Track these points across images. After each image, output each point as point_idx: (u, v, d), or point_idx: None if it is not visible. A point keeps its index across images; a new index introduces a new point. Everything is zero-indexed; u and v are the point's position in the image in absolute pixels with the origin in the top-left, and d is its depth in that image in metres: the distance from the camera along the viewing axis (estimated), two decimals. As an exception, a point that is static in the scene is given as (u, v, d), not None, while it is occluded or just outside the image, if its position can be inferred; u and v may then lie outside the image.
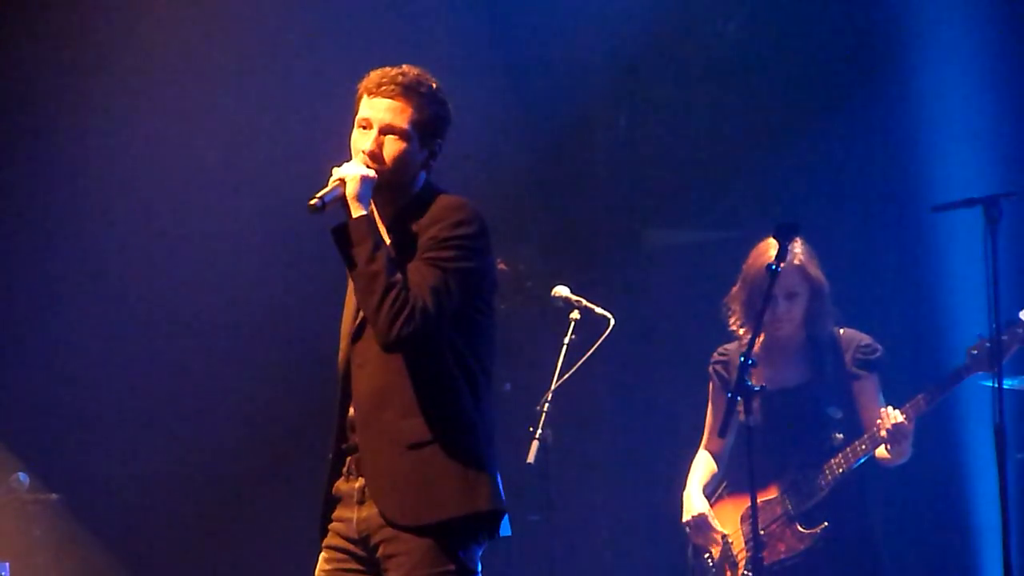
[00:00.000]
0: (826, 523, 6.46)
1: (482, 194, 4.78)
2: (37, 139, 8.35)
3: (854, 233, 8.26)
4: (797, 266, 6.50)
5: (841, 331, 6.62)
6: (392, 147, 4.69)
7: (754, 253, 6.65)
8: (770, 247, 6.46)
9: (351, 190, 4.62)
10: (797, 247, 6.49)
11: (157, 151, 8.38)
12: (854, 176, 8.43)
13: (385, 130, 4.68)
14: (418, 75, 4.72)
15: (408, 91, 4.68)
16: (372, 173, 4.65)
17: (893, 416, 6.38)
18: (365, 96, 4.71)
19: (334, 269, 4.73)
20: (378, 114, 4.68)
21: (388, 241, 4.68)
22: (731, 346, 6.77)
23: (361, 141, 4.70)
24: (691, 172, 8.81)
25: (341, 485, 4.74)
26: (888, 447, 6.44)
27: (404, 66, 4.74)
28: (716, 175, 8.73)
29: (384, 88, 4.68)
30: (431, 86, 4.72)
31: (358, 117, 4.72)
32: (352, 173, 4.64)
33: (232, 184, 8.40)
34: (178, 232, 8.46)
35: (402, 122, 4.68)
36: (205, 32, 8.35)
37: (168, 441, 8.47)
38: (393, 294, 4.53)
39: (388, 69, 4.72)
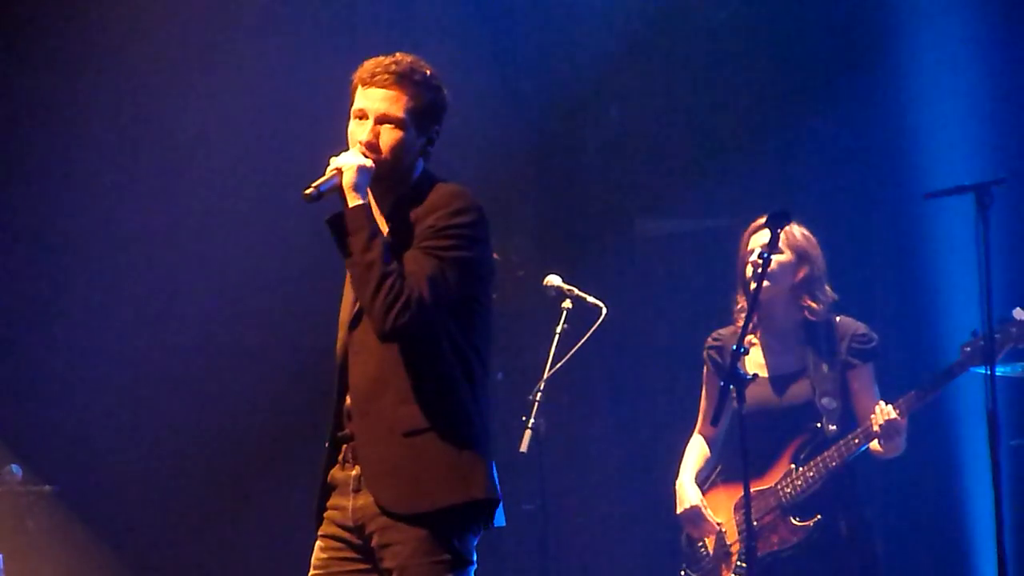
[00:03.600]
0: (819, 516, 6.46)
1: (474, 184, 4.77)
2: (35, 136, 8.36)
3: (847, 221, 8.26)
4: (787, 230, 6.43)
5: (837, 319, 6.61)
6: (388, 136, 4.68)
7: (747, 233, 6.63)
8: (759, 223, 6.45)
9: (348, 180, 4.62)
10: (793, 227, 6.47)
11: (156, 142, 8.38)
12: (846, 164, 8.43)
13: (381, 119, 4.68)
14: (412, 63, 4.71)
15: (402, 79, 4.68)
16: (369, 163, 4.65)
17: (886, 412, 6.37)
18: (360, 86, 4.71)
19: (334, 259, 4.72)
20: (373, 104, 4.68)
21: (386, 230, 4.68)
22: (725, 331, 6.76)
23: (357, 131, 4.70)
24: (683, 161, 8.81)
25: (337, 473, 4.73)
26: (881, 441, 6.44)
27: (398, 54, 4.74)
28: (708, 164, 8.72)
29: (378, 78, 4.68)
30: (425, 73, 4.71)
31: (354, 108, 4.72)
32: (349, 163, 4.64)
33: (230, 178, 8.41)
34: (174, 222, 8.45)
35: (397, 111, 4.67)
36: (205, 27, 8.34)
37: (163, 432, 8.46)
38: (388, 283, 4.52)
39: (382, 58, 4.72)
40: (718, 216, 8.52)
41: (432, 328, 4.58)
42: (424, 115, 4.70)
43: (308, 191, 4.61)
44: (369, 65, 4.71)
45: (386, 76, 4.67)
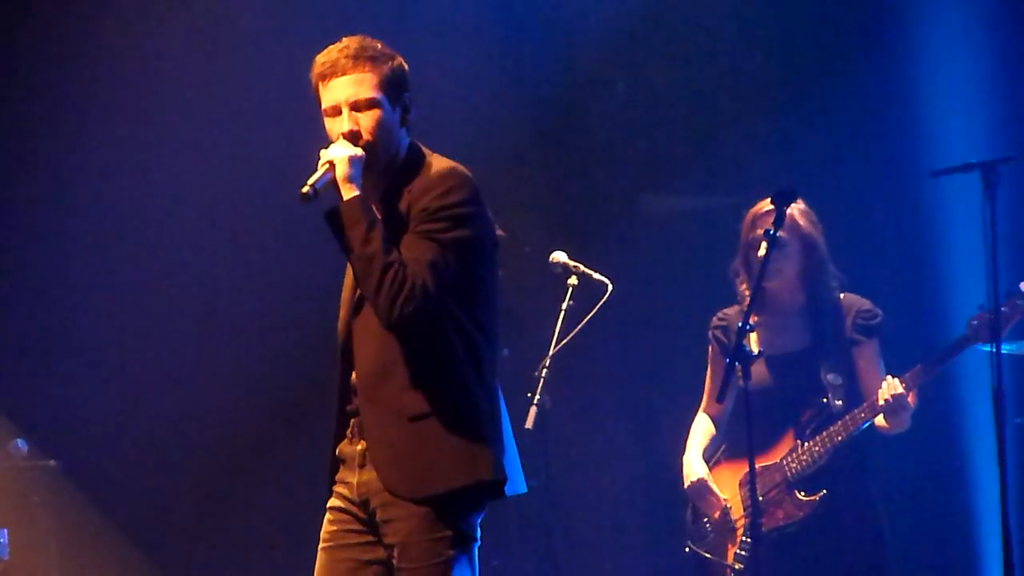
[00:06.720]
0: (824, 491, 6.46)
1: (480, 160, 4.75)
2: (38, 131, 8.39)
3: (853, 198, 8.25)
4: (788, 212, 6.41)
5: (842, 296, 6.60)
6: (368, 119, 4.65)
7: (749, 216, 6.63)
8: (762, 208, 6.46)
9: (341, 172, 4.59)
10: (794, 208, 6.45)
11: (157, 136, 8.41)
12: (853, 141, 8.41)
13: (354, 106, 4.64)
14: (361, 41, 4.68)
15: (359, 59, 4.64)
16: (359, 151, 4.61)
17: (893, 386, 6.37)
18: (320, 84, 4.67)
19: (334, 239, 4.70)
20: (342, 94, 4.64)
21: (381, 214, 4.64)
22: (730, 310, 6.76)
23: (336, 126, 4.66)
24: (689, 138, 8.79)
25: (345, 447, 4.75)
26: (886, 416, 6.43)
27: (342, 39, 4.70)
28: (714, 141, 8.71)
29: (337, 67, 4.64)
30: (377, 47, 4.68)
31: (324, 107, 4.68)
32: (340, 155, 4.60)
33: (231, 167, 8.40)
34: (178, 202, 8.46)
35: (367, 91, 4.64)
36: (205, 25, 8.35)
37: (169, 406, 8.46)
38: (391, 274, 4.50)
39: (330, 48, 4.69)
40: (724, 193, 8.50)
41: (437, 313, 4.56)
42: (391, 86, 4.67)
43: (304, 190, 4.56)
44: (321, 60, 4.68)
45: (344, 62, 4.64)
